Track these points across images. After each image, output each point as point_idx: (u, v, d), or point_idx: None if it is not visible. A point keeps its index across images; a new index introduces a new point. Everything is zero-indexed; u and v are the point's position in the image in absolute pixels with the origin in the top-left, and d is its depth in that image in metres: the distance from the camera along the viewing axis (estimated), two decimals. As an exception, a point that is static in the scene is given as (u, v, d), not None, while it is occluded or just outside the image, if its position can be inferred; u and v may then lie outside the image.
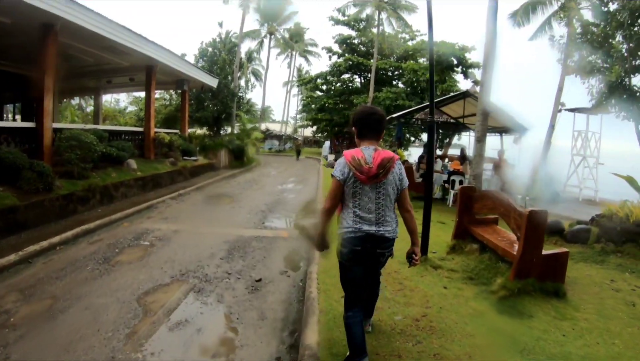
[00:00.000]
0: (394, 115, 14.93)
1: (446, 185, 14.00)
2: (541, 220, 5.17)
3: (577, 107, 19.36)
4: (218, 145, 22.84)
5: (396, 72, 38.54)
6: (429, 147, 6.86)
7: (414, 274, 5.69)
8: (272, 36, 43.58)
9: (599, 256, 6.92)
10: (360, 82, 41.00)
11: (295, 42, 47.38)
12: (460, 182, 13.40)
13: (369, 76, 38.99)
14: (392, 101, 31.37)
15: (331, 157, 31.44)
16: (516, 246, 5.41)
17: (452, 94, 14.17)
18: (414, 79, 32.58)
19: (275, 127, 55.77)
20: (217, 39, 27.29)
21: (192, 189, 13.67)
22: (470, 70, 27.96)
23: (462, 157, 15.62)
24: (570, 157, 20.34)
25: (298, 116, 64.38)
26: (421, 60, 35.71)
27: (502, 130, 15.89)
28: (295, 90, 60.47)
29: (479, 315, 4.53)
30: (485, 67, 12.63)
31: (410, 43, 38.46)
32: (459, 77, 30.39)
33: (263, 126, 46.21)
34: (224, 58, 26.96)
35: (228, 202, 11.98)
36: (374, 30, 37.44)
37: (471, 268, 5.98)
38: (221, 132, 27.36)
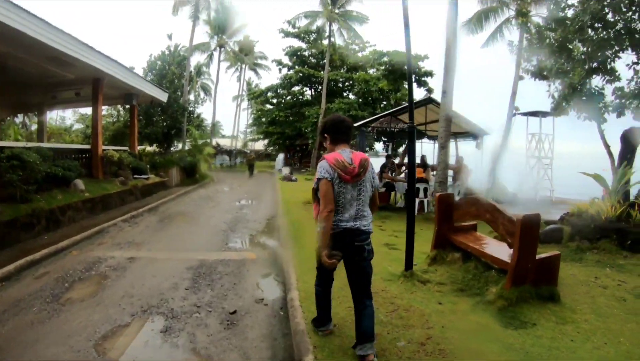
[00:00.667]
0: (355, 124, 14.50)
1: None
2: (534, 224, 5.03)
3: (530, 111, 19.98)
4: (169, 162, 21.85)
5: (347, 84, 38.59)
6: (409, 155, 6.42)
7: (403, 291, 5.36)
8: (222, 49, 42.65)
9: (576, 254, 7.00)
10: (311, 95, 40.85)
11: (245, 55, 46.64)
12: (425, 190, 13.32)
13: (320, 87, 38.95)
14: (344, 112, 31.24)
15: (286, 170, 30.84)
16: (505, 253, 5.28)
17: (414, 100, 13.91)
18: (366, 89, 32.60)
19: (225, 143, 54.71)
20: (167, 52, 26.21)
21: (145, 210, 12.77)
22: (423, 78, 28.06)
23: (423, 165, 15.46)
24: (525, 159, 20.90)
25: (248, 130, 63.59)
26: (371, 71, 35.82)
27: (462, 135, 15.81)
28: (245, 104, 59.74)
29: (484, 329, 4.30)
30: (447, 72, 12.46)
31: (360, 54, 38.63)
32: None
33: (213, 142, 45.08)
34: (173, 71, 25.94)
35: (185, 223, 11.20)
36: (325, 42, 37.43)
37: (459, 279, 5.74)
38: (171, 148, 26.27)
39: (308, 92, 41.51)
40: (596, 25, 10.49)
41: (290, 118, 38.95)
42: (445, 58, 12.77)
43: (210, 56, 43.31)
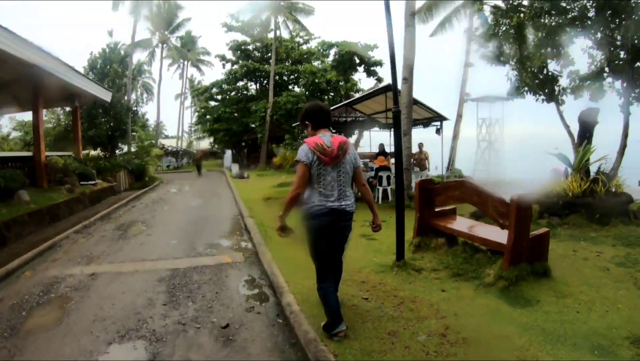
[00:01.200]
0: None
1: (373, 181, 13.47)
2: (528, 205, 5.27)
3: (480, 97, 20.25)
4: (116, 166, 20.67)
5: (292, 77, 37.97)
6: (396, 140, 6.02)
7: (401, 282, 5.33)
8: (165, 45, 40.80)
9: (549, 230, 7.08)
10: (256, 89, 39.96)
11: (187, 50, 44.94)
12: (388, 177, 13.19)
13: (266, 82, 38.18)
14: (293, 105, 30.79)
15: (235, 167, 29.95)
16: (495, 234, 5.48)
17: (375, 88, 13.57)
18: (313, 81, 32.10)
19: (171, 143, 52.80)
20: (107, 50, 24.62)
21: (96, 218, 11.78)
22: (372, 68, 27.83)
23: (383, 153, 15.20)
24: (476, 143, 21.24)
25: (193, 129, 61.80)
26: (317, 62, 35.38)
27: (421, 122, 15.60)
28: (188, 102, 57.96)
29: (494, 312, 4.35)
30: (406, 59, 12.26)
31: (305, 46, 38.08)
32: (361, 75, 30.11)
33: (158, 143, 43.31)
34: (115, 70, 24.40)
35: (144, 229, 10.33)
36: (270, 35, 36.65)
37: (451, 263, 5.74)
38: (116, 151, 24.82)
39: (253, 87, 40.57)
40: (552, 12, 10.78)
41: (236, 114, 37.97)
42: (404, 43, 12.62)
43: (152, 53, 41.40)
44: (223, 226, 10.32)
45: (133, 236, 9.44)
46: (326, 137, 3.76)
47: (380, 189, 13.10)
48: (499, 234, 5.36)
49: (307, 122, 3.99)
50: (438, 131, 15.33)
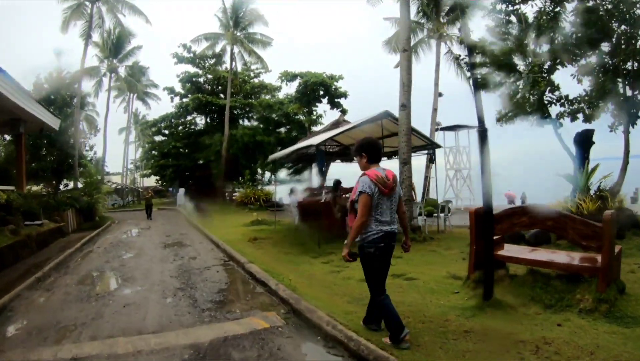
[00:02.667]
0: (314, 143, 11.95)
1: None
2: (615, 224, 5.15)
3: (451, 125, 20.95)
4: (63, 203, 17.90)
5: (245, 110, 36.39)
6: (483, 165, 5.02)
7: (506, 323, 4.61)
8: (113, 74, 37.84)
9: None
10: (207, 123, 37.85)
11: (137, 81, 42.15)
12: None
13: (216, 115, 36.33)
14: (250, 137, 29.12)
15: (190, 206, 27.56)
16: (568, 258, 5.45)
17: (371, 116, 12.12)
18: (268, 115, 30.54)
19: (116, 180, 49.02)
20: (55, 74, 21.89)
21: (51, 267, 9.38)
22: (336, 100, 26.56)
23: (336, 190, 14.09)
24: (445, 172, 21.97)
25: (137, 165, 58.26)
26: (268, 96, 34.04)
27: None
28: (132, 136, 54.70)
29: (629, 339, 3.98)
30: (404, 85, 11.42)
31: (256, 80, 36.69)
32: (325, 107, 28.70)
33: (105, 179, 39.81)
34: (63, 96, 21.71)
35: (119, 283, 8.11)
36: (224, 67, 35.07)
37: (533, 295, 5.30)
38: (61, 187, 21.89)
39: (202, 122, 38.50)
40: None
41: (186, 150, 35.72)
42: (401, 71, 11.79)
43: (100, 82, 38.24)
44: (220, 276, 8.30)
45: (108, 294, 7.21)
46: (382, 171, 4.13)
47: None
48: (575, 258, 5.39)
49: (363, 153, 4.26)
50: (432, 160, 14.02)
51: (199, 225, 17.52)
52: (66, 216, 17.70)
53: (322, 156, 11.33)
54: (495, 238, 5.90)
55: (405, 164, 11.67)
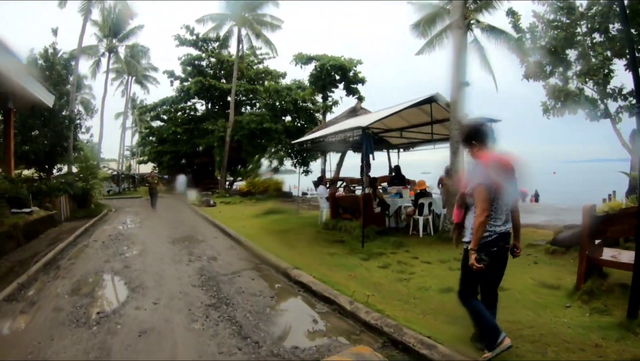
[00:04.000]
0: (365, 124, 9.58)
1: (409, 210, 10.51)
2: None
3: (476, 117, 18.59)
4: (55, 189, 15.81)
5: (249, 96, 34.45)
6: None
7: None
8: (111, 54, 35.27)
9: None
10: (208, 109, 35.65)
11: (137, 62, 39.57)
12: (430, 205, 10.15)
13: (219, 101, 34.44)
14: (257, 125, 27.00)
15: (192, 194, 25.48)
16: None
17: (419, 99, 10.05)
18: (276, 100, 28.43)
19: (111, 166, 46.59)
20: (51, 50, 19.48)
21: (38, 268, 7.43)
22: (353, 85, 24.35)
23: (399, 176, 12.19)
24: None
25: (134, 151, 55.84)
26: (284, 81, 32.00)
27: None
28: (129, 122, 52.25)
29: None
30: (457, 65, 9.39)
31: (261, 66, 34.56)
32: (340, 93, 26.49)
33: (101, 165, 37.41)
34: (59, 72, 19.40)
35: (128, 295, 6.07)
36: (227, 50, 32.98)
37: None
38: (54, 171, 19.69)
39: (202, 108, 36.33)
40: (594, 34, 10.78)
41: (184, 137, 33.58)
42: (453, 50, 9.81)
43: (97, 63, 35.61)
44: (258, 286, 6.34)
45: (114, 313, 5.19)
46: (499, 157, 3.53)
47: (421, 219, 9.98)
48: None
49: (474, 142, 3.61)
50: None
51: (207, 215, 15.55)
52: (58, 203, 15.64)
53: (370, 142, 9.23)
54: (596, 242, 5.40)
55: (455, 154, 9.84)
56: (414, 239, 9.55)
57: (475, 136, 3.62)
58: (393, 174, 13.17)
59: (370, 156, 9.17)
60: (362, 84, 24.22)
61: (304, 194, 25.72)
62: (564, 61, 11.42)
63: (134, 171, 55.45)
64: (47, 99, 13.91)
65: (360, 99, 22.96)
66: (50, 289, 6.31)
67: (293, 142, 13.76)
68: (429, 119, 11.18)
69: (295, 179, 24.64)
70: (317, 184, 12.69)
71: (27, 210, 12.00)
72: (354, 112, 19.69)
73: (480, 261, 3.36)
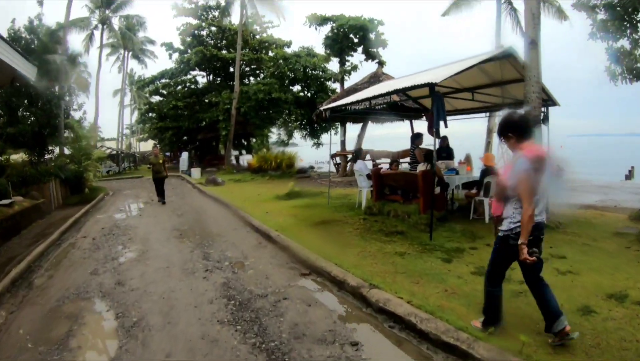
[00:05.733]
0: (435, 80, 6.76)
1: (472, 193, 8.36)
2: None
3: None
4: (44, 174, 13.54)
5: (251, 67, 31.92)
6: None
7: None
8: (105, 26, 32.15)
9: None
10: (209, 81, 33.07)
11: (133, 34, 36.47)
12: (488, 185, 8.06)
13: (221, 72, 32.09)
14: (265, 94, 24.53)
15: (196, 171, 23.17)
16: None
17: (493, 54, 7.61)
18: (283, 71, 25.82)
19: (110, 145, 44.07)
20: (36, 22, 16.77)
21: (3, 288, 5.22)
22: (372, 50, 21.67)
23: (447, 149, 9.99)
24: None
25: (134, 129, 53.32)
26: (288, 49, 29.24)
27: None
28: (127, 98, 49.53)
29: None
30: (533, 17, 6.73)
31: (265, 34, 31.81)
32: (359, 57, 23.75)
33: (98, 145, 34.86)
34: (45, 43, 16.72)
35: (122, 344, 3.82)
36: (231, 19, 30.47)
37: None
38: (45, 154, 17.32)
39: (204, 80, 33.69)
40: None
41: (185, 112, 31.06)
42: (528, 9, 7.14)
43: (90, 36, 32.63)
44: (324, 321, 4.06)
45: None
46: (539, 149, 3.35)
47: (486, 201, 7.85)
48: None
49: (509, 134, 3.39)
50: (544, 120, 9.31)
51: (218, 196, 13.26)
52: (47, 190, 13.36)
53: (442, 103, 6.74)
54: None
55: (536, 122, 7.56)
56: (482, 226, 7.40)
57: (515, 128, 3.37)
58: (437, 147, 10.79)
59: (442, 123, 6.74)
60: (384, 48, 21.55)
61: (311, 168, 23.58)
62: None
63: (134, 149, 53.11)
64: (28, 70, 11.45)
65: (382, 63, 20.28)
66: (9, 331, 4.10)
67: (322, 108, 11.35)
68: (487, 81, 8.83)
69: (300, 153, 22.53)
70: (355, 158, 10.24)
71: (7, 201, 9.90)
72: (375, 78, 17.24)
73: (532, 254, 3.19)
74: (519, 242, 3.21)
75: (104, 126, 72.10)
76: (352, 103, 8.91)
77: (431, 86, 6.41)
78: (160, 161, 13.83)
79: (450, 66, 8.09)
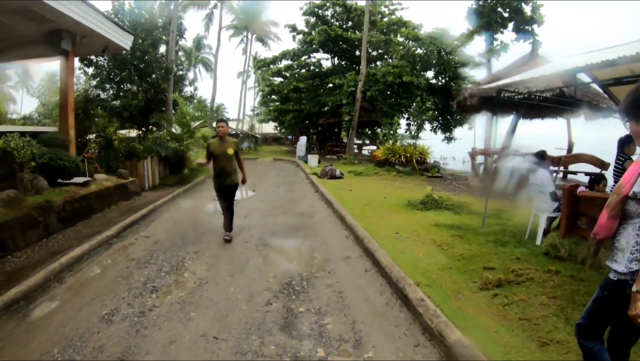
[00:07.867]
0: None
1: None
2: None
3: None
4: (143, 151, 12.27)
5: (378, 50, 29.39)
6: None
7: None
8: (224, 6, 31.47)
9: None
10: (334, 63, 31.29)
11: (254, 15, 35.59)
12: None
13: (346, 54, 30.02)
14: (395, 77, 21.59)
15: (314, 159, 20.93)
16: None
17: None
18: (417, 49, 22.71)
19: (231, 126, 44.52)
20: None
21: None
22: (526, 27, 17.60)
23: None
24: None
25: (256, 111, 53.71)
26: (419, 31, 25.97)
27: None
28: (251, 81, 49.66)
29: None
30: None
31: (393, 16, 28.92)
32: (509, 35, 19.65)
33: (214, 125, 34.67)
34: (152, 16, 15.80)
35: None
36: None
37: None
38: (151, 130, 16.27)
39: (328, 63, 31.80)
40: None
41: (307, 95, 29.40)
42: None
43: (210, 16, 32.30)
44: None
45: None
46: None
47: None
48: None
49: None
50: None
51: (331, 198, 10.45)
52: (141, 168, 11.87)
53: None
54: None
55: None
56: None
57: None
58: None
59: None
60: (539, 26, 17.31)
61: (436, 165, 20.06)
62: None
63: (257, 130, 53.57)
64: (122, 39, 10.03)
65: (536, 43, 16.13)
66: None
67: (485, 86, 8.17)
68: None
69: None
70: (538, 163, 6.65)
71: (81, 180, 8.32)
72: (532, 60, 13.48)
73: None
74: (634, 289, 2.04)
75: (229, 106, 74.39)
76: (525, 82, 5.69)
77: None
78: (230, 151, 6.77)
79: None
